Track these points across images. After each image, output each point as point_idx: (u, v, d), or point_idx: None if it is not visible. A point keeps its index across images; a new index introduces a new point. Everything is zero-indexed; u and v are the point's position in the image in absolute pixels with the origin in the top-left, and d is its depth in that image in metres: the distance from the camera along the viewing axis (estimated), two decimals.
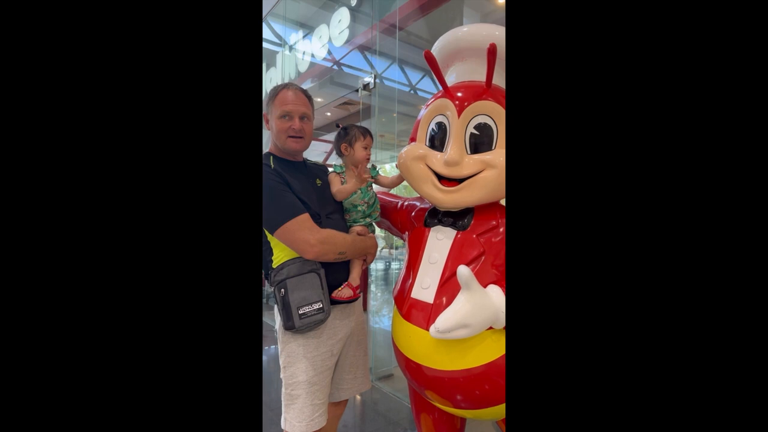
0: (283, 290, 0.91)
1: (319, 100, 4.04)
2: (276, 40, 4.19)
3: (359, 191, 1.05)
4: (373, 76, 2.21)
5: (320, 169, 1.12)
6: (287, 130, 0.98)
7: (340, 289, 0.99)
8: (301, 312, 0.91)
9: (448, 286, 0.82)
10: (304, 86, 3.59)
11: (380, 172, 1.12)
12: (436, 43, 0.95)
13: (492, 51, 0.76)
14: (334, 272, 0.99)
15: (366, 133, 1.07)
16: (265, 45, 4.29)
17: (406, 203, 1.07)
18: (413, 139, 0.95)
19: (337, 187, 1.05)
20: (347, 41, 2.92)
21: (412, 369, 0.88)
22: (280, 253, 0.96)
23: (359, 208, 1.06)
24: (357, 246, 1.01)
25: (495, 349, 0.79)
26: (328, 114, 4.67)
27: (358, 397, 2.11)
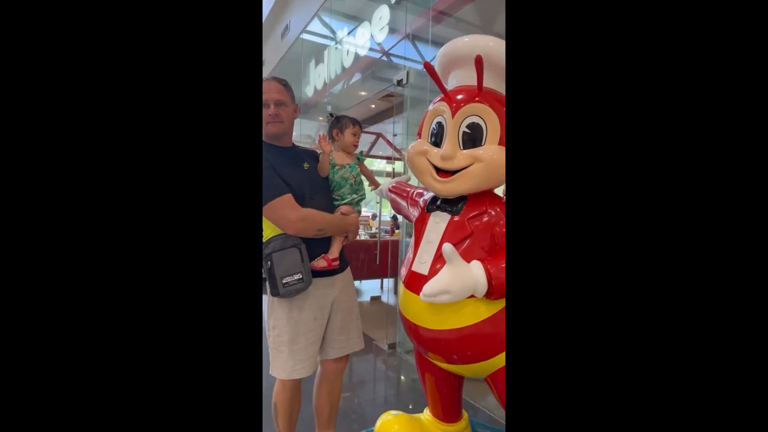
0: (269, 262, 1.07)
1: (362, 93, 4.24)
2: (329, 34, 4.39)
3: (347, 166, 1.22)
4: (406, 72, 2.35)
5: (309, 154, 1.25)
6: (266, 117, 1.15)
7: (317, 260, 1.15)
8: (284, 282, 1.06)
9: (440, 261, 0.97)
10: (352, 80, 3.74)
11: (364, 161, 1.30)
12: (439, 52, 1.09)
13: (478, 61, 0.89)
14: (317, 246, 1.15)
15: (356, 122, 1.25)
16: (315, 39, 4.55)
17: (415, 192, 1.23)
18: (419, 135, 1.11)
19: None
20: (395, 31, 3.03)
21: (411, 330, 1.06)
22: (267, 229, 1.12)
23: (349, 182, 1.22)
24: (336, 224, 1.16)
25: (476, 313, 0.94)
26: (372, 106, 4.87)
27: (395, 376, 2.31)
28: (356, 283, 4.54)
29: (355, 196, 1.25)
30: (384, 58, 3.39)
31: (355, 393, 1.99)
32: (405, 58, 3.02)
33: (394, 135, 4.25)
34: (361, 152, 1.29)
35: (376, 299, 4.04)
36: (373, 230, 5.22)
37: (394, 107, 2.82)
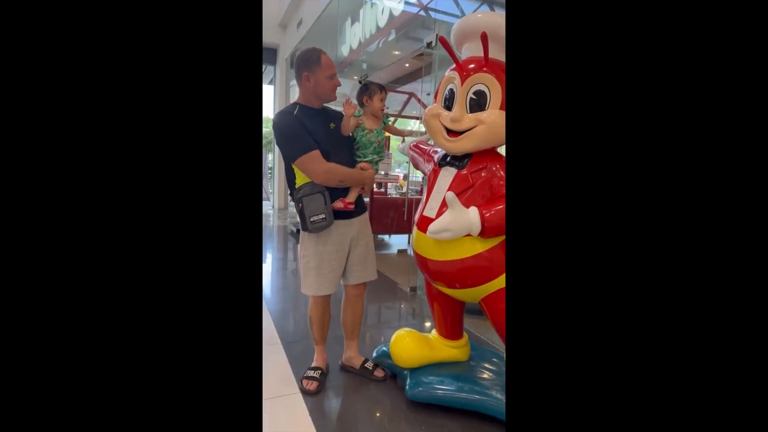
0: (300, 204, 1.34)
1: (396, 53, 4.29)
2: None
3: (374, 131, 1.42)
4: (435, 35, 2.44)
5: (336, 115, 1.46)
6: (334, 87, 1.38)
7: (335, 201, 1.40)
8: (311, 220, 1.34)
9: (446, 207, 1.19)
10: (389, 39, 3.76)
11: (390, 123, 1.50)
12: (453, 26, 1.24)
13: (483, 37, 1.05)
14: (339, 194, 1.41)
15: (382, 88, 1.43)
16: None
17: (431, 149, 1.43)
18: (435, 99, 1.29)
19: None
20: None
21: (421, 262, 1.30)
22: (298, 178, 1.39)
23: (373, 145, 1.44)
24: (354, 177, 1.41)
25: (473, 248, 1.17)
26: (407, 65, 4.89)
27: (415, 314, 2.62)
28: (385, 237, 4.85)
29: (375, 156, 1.47)
30: (422, 12, 3.39)
31: (381, 330, 2.31)
32: (442, 12, 3.02)
33: (427, 94, 4.32)
34: (387, 116, 1.48)
35: (402, 252, 4.33)
36: (404, 190, 5.42)
37: (423, 68, 2.90)
